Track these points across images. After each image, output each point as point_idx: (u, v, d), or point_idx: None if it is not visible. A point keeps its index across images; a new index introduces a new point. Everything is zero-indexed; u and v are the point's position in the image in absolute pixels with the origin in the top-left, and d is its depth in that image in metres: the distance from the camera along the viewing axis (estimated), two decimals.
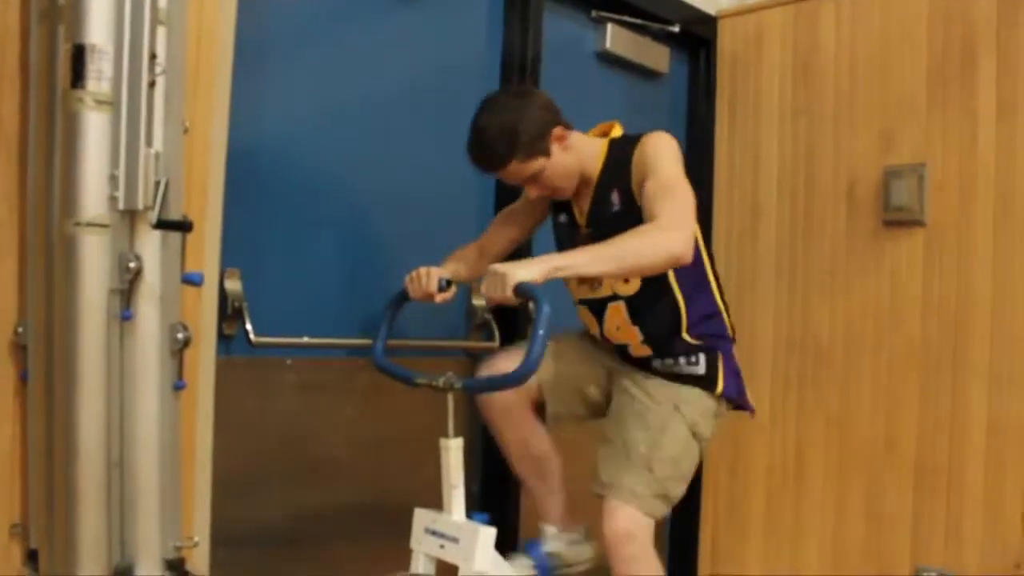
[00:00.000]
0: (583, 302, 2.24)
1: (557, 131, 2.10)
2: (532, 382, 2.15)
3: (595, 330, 2.26)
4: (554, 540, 2.30)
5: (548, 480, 2.32)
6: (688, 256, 1.94)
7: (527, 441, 2.29)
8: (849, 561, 2.99)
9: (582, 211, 2.21)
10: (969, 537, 2.74)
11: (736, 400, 2.23)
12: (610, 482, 2.07)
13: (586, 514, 2.25)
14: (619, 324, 2.18)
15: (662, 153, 2.06)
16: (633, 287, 2.14)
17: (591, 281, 2.18)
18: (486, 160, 2.09)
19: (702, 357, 2.16)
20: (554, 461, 2.31)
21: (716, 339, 2.19)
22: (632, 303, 2.15)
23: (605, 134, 2.24)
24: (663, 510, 2.09)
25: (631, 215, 2.04)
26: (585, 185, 2.19)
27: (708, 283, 2.20)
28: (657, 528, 2.18)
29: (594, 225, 2.17)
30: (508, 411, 2.26)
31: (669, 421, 2.10)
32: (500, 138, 2.04)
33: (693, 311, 2.16)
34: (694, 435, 2.12)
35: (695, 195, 2.04)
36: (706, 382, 2.15)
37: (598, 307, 2.21)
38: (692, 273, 2.11)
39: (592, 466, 2.12)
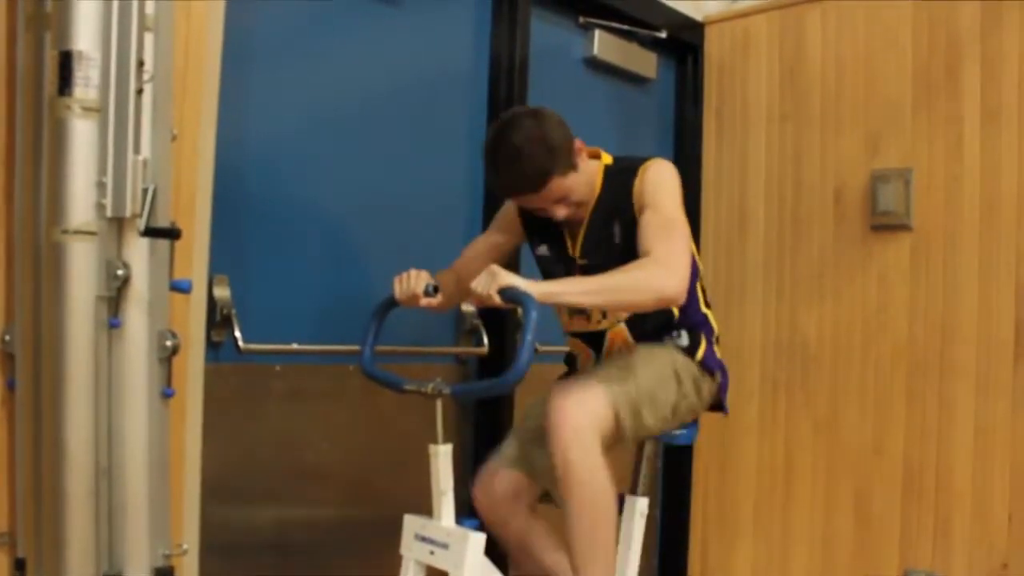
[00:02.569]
0: (578, 335, 2.22)
1: (578, 143, 2.05)
2: (519, 477, 2.10)
3: (588, 356, 2.24)
4: None
5: None
6: (681, 298, 1.94)
7: (524, 537, 2.12)
8: (838, 564, 3.00)
9: (575, 240, 2.17)
10: (957, 539, 2.76)
11: (712, 374, 2.20)
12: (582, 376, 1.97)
13: None
14: (621, 345, 2.18)
15: (664, 186, 2.05)
16: None
17: (589, 315, 2.16)
18: (526, 179, 1.98)
19: (684, 332, 2.17)
20: (561, 564, 2.08)
21: (699, 332, 2.21)
22: (631, 322, 2.15)
23: (594, 156, 2.17)
24: (628, 420, 1.96)
25: (634, 248, 2.02)
26: (579, 210, 2.14)
27: (695, 290, 2.20)
28: (648, 531, 2.18)
29: (591, 256, 2.14)
30: (502, 523, 2.12)
31: (659, 355, 2.10)
32: (539, 153, 1.95)
33: (683, 315, 2.17)
34: (675, 375, 2.09)
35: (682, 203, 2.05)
36: (688, 351, 2.16)
37: (596, 337, 2.19)
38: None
39: None
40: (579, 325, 2.20)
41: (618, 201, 2.10)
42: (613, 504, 1.97)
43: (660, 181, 2.06)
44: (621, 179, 2.10)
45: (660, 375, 2.07)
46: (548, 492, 2.16)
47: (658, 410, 2.05)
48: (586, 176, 2.09)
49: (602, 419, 1.94)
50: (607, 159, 2.18)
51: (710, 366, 2.18)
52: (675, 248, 1.95)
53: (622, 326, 2.17)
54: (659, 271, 1.91)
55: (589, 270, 2.11)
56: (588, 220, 2.14)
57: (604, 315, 2.16)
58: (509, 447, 2.19)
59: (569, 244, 2.19)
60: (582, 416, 1.91)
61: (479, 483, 2.16)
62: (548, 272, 2.21)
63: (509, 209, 2.30)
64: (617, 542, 2.06)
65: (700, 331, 2.19)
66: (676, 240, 1.97)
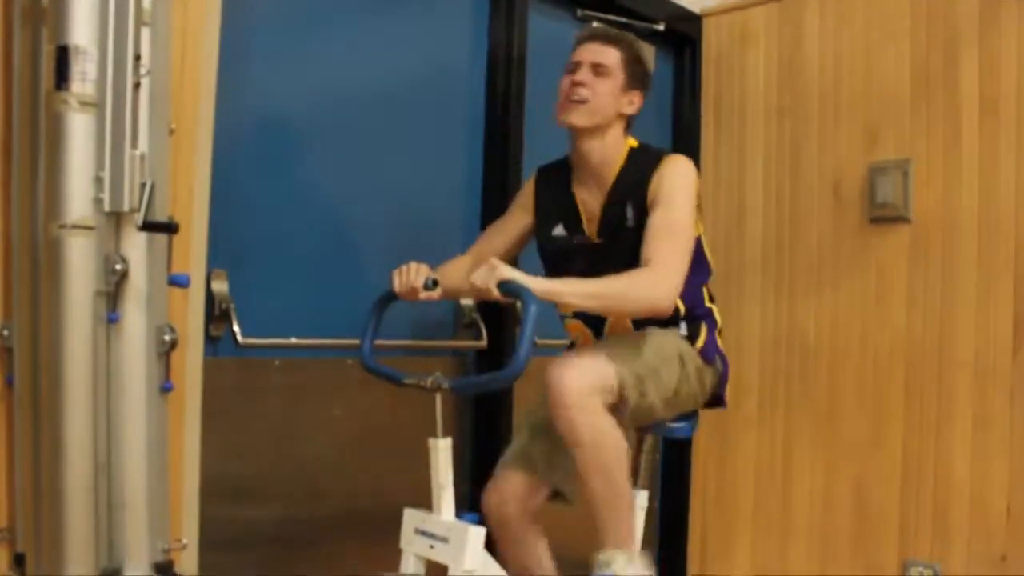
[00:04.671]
0: (580, 316, 2.22)
1: (638, 101, 2.17)
2: (518, 477, 2.12)
3: (588, 341, 2.24)
4: None
5: None
6: (669, 309, 2.00)
7: (526, 565, 2.14)
8: (837, 556, 3.01)
9: (591, 217, 2.19)
10: (956, 530, 2.76)
11: (711, 364, 2.20)
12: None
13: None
14: (624, 331, 2.18)
15: (680, 186, 2.07)
16: None
17: None
18: (607, 32, 2.19)
19: (683, 323, 2.18)
20: None
21: (701, 321, 2.21)
22: None
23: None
24: (634, 394, 1.96)
25: (643, 232, 2.06)
26: (598, 183, 2.16)
27: (699, 291, 2.21)
28: (648, 523, 2.19)
29: (607, 236, 2.16)
30: (506, 523, 2.13)
31: (664, 338, 2.11)
32: (634, 43, 2.18)
33: (687, 310, 2.17)
34: (680, 358, 2.10)
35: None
36: (687, 339, 2.17)
37: (598, 320, 2.20)
38: (691, 277, 2.10)
39: None
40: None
41: (635, 185, 2.11)
42: (624, 459, 1.95)
43: (677, 180, 2.08)
44: (642, 164, 2.13)
45: (664, 355, 2.07)
46: (559, 491, 2.17)
47: (661, 387, 2.03)
48: (615, 134, 2.17)
49: (606, 383, 1.92)
50: (633, 142, 2.21)
51: (710, 356, 2.18)
52: (673, 257, 1.99)
53: None
54: (652, 282, 1.96)
55: (602, 250, 2.14)
56: (605, 200, 2.16)
57: None
58: (513, 449, 2.20)
59: (586, 223, 2.20)
60: (584, 380, 1.89)
61: (490, 489, 2.16)
62: (560, 254, 2.22)
63: (526, 190, 2.34)
64: None
65: (701, 321, 2.20)
66: (676, 249, 2.00)
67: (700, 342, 2.17)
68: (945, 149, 2.83)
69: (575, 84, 2.12)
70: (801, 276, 3.14)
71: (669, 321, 2.17)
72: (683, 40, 3.40)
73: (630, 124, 2.22)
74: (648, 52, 2.13)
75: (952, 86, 2.82)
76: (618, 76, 2.13)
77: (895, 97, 2.94)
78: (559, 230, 2.24)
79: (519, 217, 2.33)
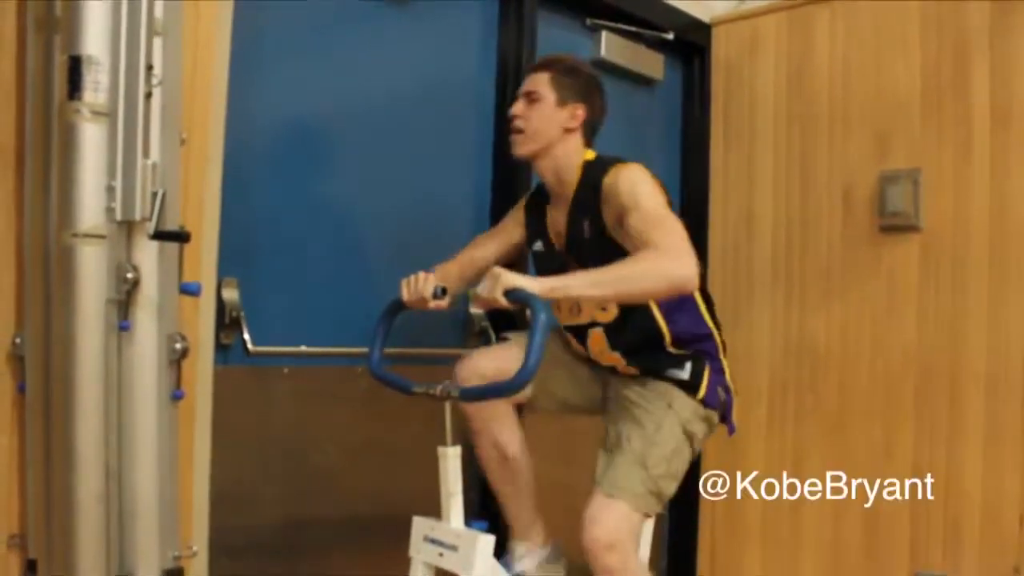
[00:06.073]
0: (567, 328, 2.24)
1: (581, 112, 2.14)
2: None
3: (582, 351, 2.27)
4: (525, 559, 2.25)
5: (520, 490, 2.26)
6: (694, 282, 1.90)
7: (498, 441, 2.23)
8: (848, 567, 2.99)
9: (559, 232, 2.20)
10: (967, 542, 2.74)
11: (717, 408, 2.19)
12: (603, 479, 2.03)
13: (560, 529, 2.22)
14: (601, 349, 2.19)
15: (639, 187, 2.02)
16: (610, 314, 2.13)
17: (572, 307, 2.17)
18: (540, 59, 2.26)
19: (688, 364, 2.16)
20: (527, 469, 2.26)
21: (703, 355, 2.19)
22: (610, 330, 2.15)
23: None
24: (656, 507, 2.06)
25: (603, 243, 2.05)
26: (562, 198, 2.18)
27: (694, 302, 2.17)
28: (655, 536, 2.19)
29: (572, 249, 2.17)
30: (484, 406, 2.21)
31: (664, 419, 2.10)
32: (569, 63, 2.19)
33: (676, 331, 2.14)
34: (685, 434, 2.11)
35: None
36: (689, 387, 2.14)
37: (581, 333, 2.21)
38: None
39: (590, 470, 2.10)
40: (566, 318, 2.21)
41: (589, 196, 2.10)
42: None
43: (636, 185, 2.02)
44: (594, 175, 2.11)
45: (675, 448, 2.09)
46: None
47: (677, 477, 2.11)
48: (564, 151, 2.15)
49: (633, 523, 2.01)
50: (589, 155, 2.18)
51: (712, 400, 2.16)
52: (672, 235, 1.92)
53: (599, 331, 2.16)
54: (664, 257, 1.88)
55: (567, 264, 2.14)
56: (568, 215, 2.16)
57: (580, 309, 2.16)
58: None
59: (553, 235, 2.22)
60: (613, 532, 1.97)
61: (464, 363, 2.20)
62: (542, 268, 2.25)
63: (520, 205, 2.36)
64: None
65: (703, 357, 2.17)
66: (670, 228, 1.94)
67: (702, 391, 2.14)
68: (956, 157, 2.83)
69: (512, 117, 2.18)
70: (811, 285, 3.14)
71: (672, 361, 2.15)
72: (692, 49, 3.41)
73: (589, 135, 2.19)
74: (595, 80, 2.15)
75: (962, 94, 2.82)
76: (548, 97, 2.14)
77: (905, 105, 2.93)
78: (538, 245, 2.27)
79: (511, 229, 2.34)
